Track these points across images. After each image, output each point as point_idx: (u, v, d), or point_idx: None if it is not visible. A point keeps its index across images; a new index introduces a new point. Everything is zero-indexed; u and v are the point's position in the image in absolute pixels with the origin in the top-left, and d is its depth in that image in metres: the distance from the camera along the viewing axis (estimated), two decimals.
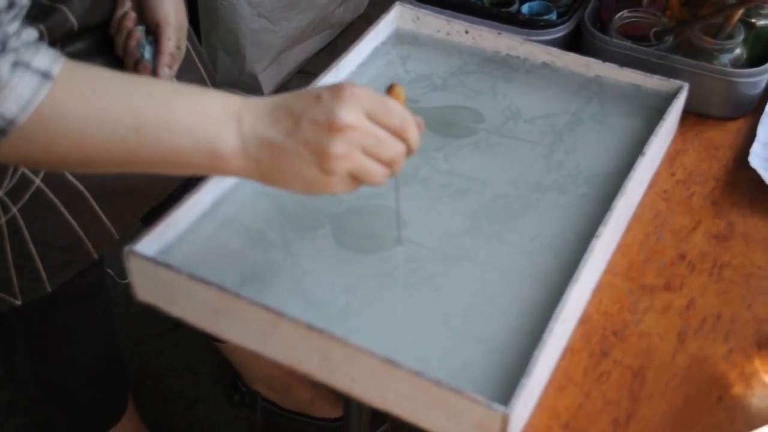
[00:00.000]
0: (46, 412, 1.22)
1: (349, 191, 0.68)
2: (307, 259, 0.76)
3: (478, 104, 0.94)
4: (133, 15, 0.92)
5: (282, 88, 2.26)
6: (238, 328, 0.71)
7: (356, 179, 0.67)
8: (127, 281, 0.76)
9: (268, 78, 2.19)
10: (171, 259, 0.73)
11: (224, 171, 0.67)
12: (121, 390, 1.27)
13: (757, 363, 0.74)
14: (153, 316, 0.85)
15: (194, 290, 0.70)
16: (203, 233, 0.78)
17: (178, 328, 1.63)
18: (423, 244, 0.78)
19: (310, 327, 0.65)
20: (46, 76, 0.61)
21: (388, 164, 0.67)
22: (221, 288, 0.68)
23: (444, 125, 0.91)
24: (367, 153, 0.66)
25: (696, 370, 0.73)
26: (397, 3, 1.02)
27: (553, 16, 1.06)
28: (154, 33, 0.93)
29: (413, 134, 0.68)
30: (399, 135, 0.67)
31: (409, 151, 0.69)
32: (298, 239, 0.78)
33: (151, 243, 0.74)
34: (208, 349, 1.60)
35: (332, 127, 0.64)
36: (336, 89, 0.65)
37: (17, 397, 1.19)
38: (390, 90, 0.70)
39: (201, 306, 0.71)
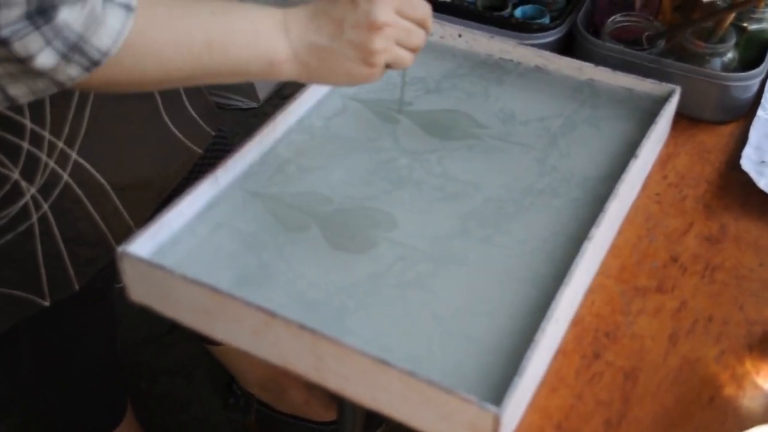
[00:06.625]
0: (48, 415, 1.21)
1: (381, 77, 0.79)
2: (300, 260, 0.76)
3: (472, 107, 0.94)
4: None
5: (278, 92, 2.27)
6: (231, 329, 0.71)
7: (390, 67, 0.79)
8: (121, 285, 0.76)
9: (263, 82, 2.20)
10: (164, 261, 0.73)
11: (278, 76, 0.76)
12: (121, 393, 1.27)
13: (749, 364, 0.74)
14: (147, 319, 0.85)
15: (188, 291, 0.70)
16: (196, 235, 0.78)
17: (171, 331, 1.63)
18: (415, 246, 0.78)
19: (302, 326, 0.66)
20: (128, 7, 0.66)
21: (415, 50, 0.79)
22: (214, 288, 0.69)
23: (437, 128, 0.91)
24: (400, 44, 0.77)
25: (688, 372, 0.73)
26: None
27: (546, 20, 1.07)
28: None
29: (431, 21, 0.80)
30: (422, 25, 0.79)
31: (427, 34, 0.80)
32: (290, 241, 0.78)
33: (144, 244, 0.74)
34: (201, 351, 1.60)
35: (372, 27, 0.74)
36: None
37: (12, 397, 1.19)
38: None
39: (194, 306, 0.71)
